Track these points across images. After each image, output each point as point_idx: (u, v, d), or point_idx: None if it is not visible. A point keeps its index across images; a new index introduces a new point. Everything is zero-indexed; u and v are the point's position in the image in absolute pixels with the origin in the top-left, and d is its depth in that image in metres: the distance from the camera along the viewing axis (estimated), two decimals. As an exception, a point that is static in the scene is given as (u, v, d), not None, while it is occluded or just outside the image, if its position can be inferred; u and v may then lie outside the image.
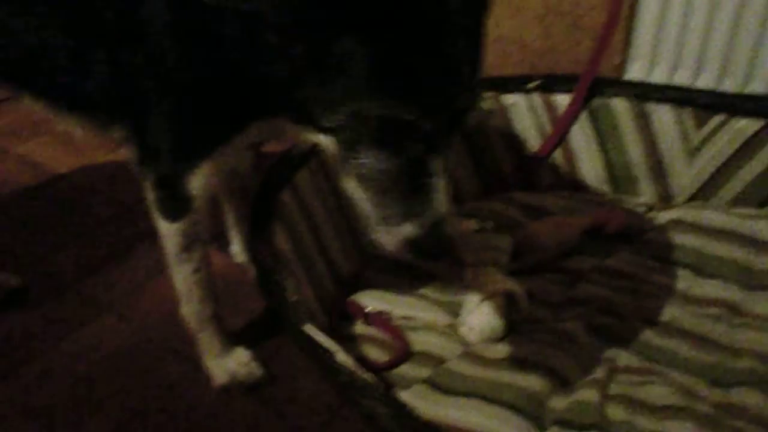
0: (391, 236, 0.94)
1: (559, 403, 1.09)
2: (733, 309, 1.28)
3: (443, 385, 1.13)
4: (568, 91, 1.57)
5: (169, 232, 1.20)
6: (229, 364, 1.34)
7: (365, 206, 0.96)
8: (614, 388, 1.12)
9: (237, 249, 1.62)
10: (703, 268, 1.36)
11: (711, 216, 1.43)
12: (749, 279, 1.32)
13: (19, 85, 1.29)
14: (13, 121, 2.26)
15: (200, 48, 1.01)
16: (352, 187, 0.97)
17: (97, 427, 1.29)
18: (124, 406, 1.32)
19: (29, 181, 2.02)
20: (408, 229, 0.92)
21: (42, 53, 1.16)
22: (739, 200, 1.48)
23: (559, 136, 1.59)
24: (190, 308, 1.30)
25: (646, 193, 1.58)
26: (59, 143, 2.15)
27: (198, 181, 1.14)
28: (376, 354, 1.24)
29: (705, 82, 1.74)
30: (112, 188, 1.94)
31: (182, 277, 1.26)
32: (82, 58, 1.12)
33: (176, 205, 1.17)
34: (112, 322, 1.51)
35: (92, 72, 1.11)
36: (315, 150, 1.35)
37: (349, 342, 1.26)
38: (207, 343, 1.33)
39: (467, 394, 1.11)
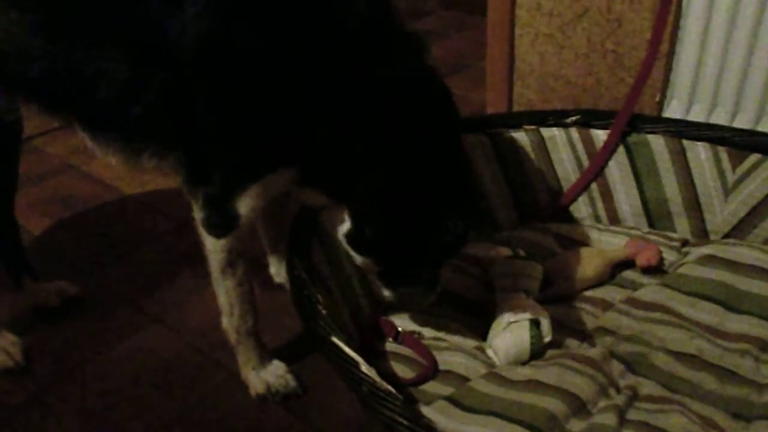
0: None
1: (576, 425, 1.12)
2: (763, 345, 1.28)
3: (464, 403, 1.17)
4: (606, 126, 1.60)
5: (214, 248, 1.26)
6: (266, 375, 1.40)
7: None
8: (633, 414, 1.14)
9: (275, 270, 1.68)
10: (734, 304, 1.36)
11: (744, 252, 1.44)
12: (780, 316, 1.32)
13: (71, 117, 1.30)
14: (81, 141, 2.40)
15: (265, 87, 1.07)
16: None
17: (143, 429, 1.36)
18: (168, 410, 1.40)
19: (92, 196, 2.14)
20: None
21: (98, 85, 1.16)
22: (774, 240, 1.49)
23: (596, 170, 1.62)
24: (232, 321, 1.35)
25: (681, 230, 1.60)
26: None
27: (247, 202, 1.21)
28: (403, 371, 1.28)
29: (742, 121, 1.75)
30: (170, 205, 2.05)
31: (225, 291, 1.32)
32: (145, 88, 1.13)
33: (223, 223, 1.23)
34: (160, 331, 1.60)
35: (151, 101, 1.14)
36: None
37: (378, 358, 1.31)
38: (245, 354, 1.39)
39: (487, 413, 1.14)
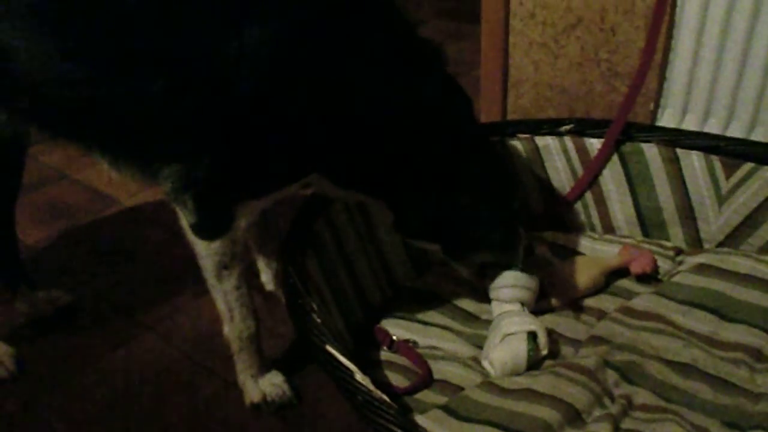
0: None
1: (571, 434, 1.12)
2: (757, 354, 1.28)
3: (459, 412, 1.16)
4: (600, 135, 1.61)
5: (207, 252, 1.23)
6: (263, 384, 1.39)
7: None
8: (628, 423, 1.14)
9: (266, 278, 1.67)
10: (728, 312, 1.36)
11: (738, 261, 1.44)
12: (775, 325, 1.33)
13: (88, 143, 1.26)
14: (74, 150, 2.39)
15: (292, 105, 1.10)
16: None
17: (135, 439, 1.36)
18: (162, 419, 1.39)
19: (87, 205, 2.14)
20: None
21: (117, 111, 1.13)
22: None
23: (590, 179, 1.63)
24: (233, 327, 1.32)
25: (674, 238, 1.60)
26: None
27: (248, 210, 1.21)
28: (398, 380, 1.28)
29: (736, 130, 1.75)
30: (165, 214, 2.03)
31: (222, 295, 1.29)
32: (184, 113, 1.10)
33: (216, 225, 1.21)
34: (153, 340, 1.59)
35: (188, 124, 1.11)
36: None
37: (373, 367, 1.31)
38: (245, 362, 1.38)
39: (482, 422, 1.14)
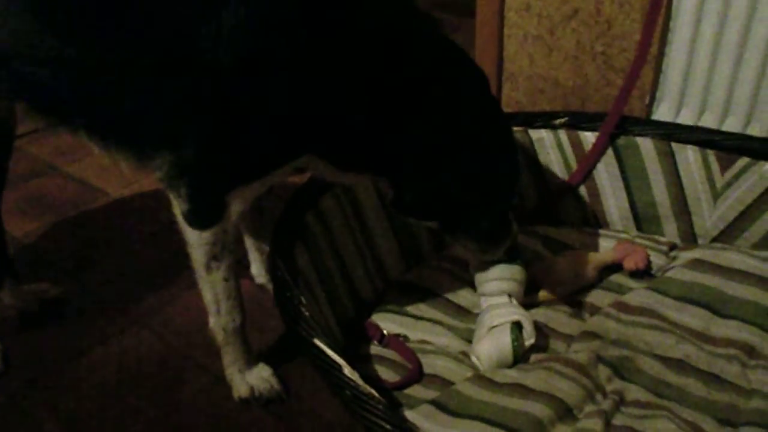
0: None
1: (562, 430, 1.11)
2: (750, 350, 1.27)
3: (449, 407, 1.15)
4: (594, 128, 1.60)
5: (198, 241, 1.21)
6: (251, 378, 1.38)
7: None
8: (619, 419, 1.13)
9: (256, 271, 1.65)
10: (721, 308, 1.35)
11: (732, 257, 1.43)
12: (768, 321, 1.32)
13: (76, 124, 1.24)
14: (64, 142, 2.38)
15: (276, 84, 1.07)
16: None
17: (121, 434, 1.34)
18: (148, 415, 1.38)
19: (76, 197, 2.12)
20: None
21: (119, 95, 1.13)
22: (762, 244, 1.48)
23: (584, 173, 1.61)
24: (219, 320, 1.31)
25: (669, 233, 1.59)
26: (107, 164, 2.24)
27: (241, 196, 1.19)
28: (388, 375, 1.27)
29: (731, 125, 1.74)
30: (154, 207, 2.03)
31: (210, 286, 1.27)
32: (170, 96, 1.10)
33: (208, 213, 1.19)
34: (142, 334, 1.58)
35: (176, 108, 1.11)
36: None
37: (363, 361, 1.30)
38: (231, 356, 1.36)
39: (472, 417, 1.13)
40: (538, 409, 1.12)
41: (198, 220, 1.20)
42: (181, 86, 1.08)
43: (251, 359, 1.39)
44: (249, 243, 1.63)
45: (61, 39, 1.10)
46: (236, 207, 1.20)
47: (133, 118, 1.14)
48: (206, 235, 1.20)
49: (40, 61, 1.12)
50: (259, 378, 1.38)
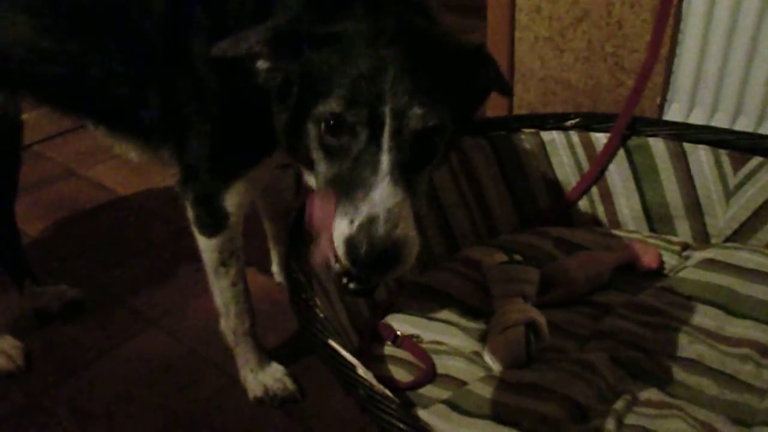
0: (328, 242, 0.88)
1: (575, 430, 1.11)
2: (763, 350, 1.27)
3: (462, 406, 1.16)
4: (606, 129, 1.60)
5: (207, 247, 1.28)
6: (264, 378, 1.40)
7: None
8: (631, 419, 1.13)
9: (277, 269, 1.68)
10: (735, 308, 1.35)
11: (746, 257, 1.43)
12: (781, 321, 1.32)
13: (82, 114, 1.36)
14: (83, 147, 2.41)
15: (235, 81, 1.08)
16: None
17: (139, 432, 1.36)
18: (165, 414, 1.40)
19: (94, 201, 2.15)
20: (341, 229, 0.85)
21: (104, 84, 1.22)
22: (776, 243, 1.48)
23: (596, 174, 1.62)
24: (228, 322, 1.36)
25: (681, 233, 1.59)
26: (124, 168, 2.28)
27: (233, 199, 1.22)
28: (402, 375, 1.28)
29: (743, 124, 1.74)
30: (170, 211, 2.05)
31: (219, 291, 1.33)
32: (140, 87, 1.19)
33: (213, 221, 1.24)
34: (158, 335, 1.60)
35: (147, 99, 1.19)
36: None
37: (377, 361, 1.30)
38: (243, 356, 1.40)
39: (485, 417, 1.14)
40: (551, 409, 1.13)
41: (204, 227, 1.27)
42: (151, 78, 1.16)
43: (264, 359, 1.41)
44: (271, 242, 1.67)
45: (54, 41, 1.22)
46: (234, 212, 1.24)
47: (122, 107, 1.24)
48: (214, 241, 1.27)
49: (40, 57, 1.23)
50: (273, 378, 1.40)
